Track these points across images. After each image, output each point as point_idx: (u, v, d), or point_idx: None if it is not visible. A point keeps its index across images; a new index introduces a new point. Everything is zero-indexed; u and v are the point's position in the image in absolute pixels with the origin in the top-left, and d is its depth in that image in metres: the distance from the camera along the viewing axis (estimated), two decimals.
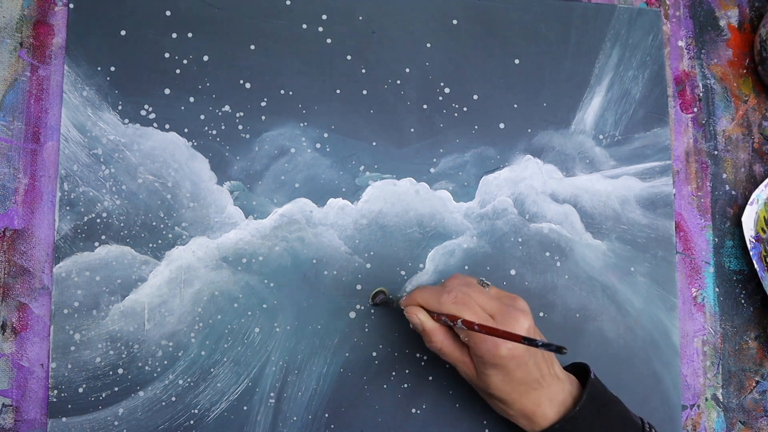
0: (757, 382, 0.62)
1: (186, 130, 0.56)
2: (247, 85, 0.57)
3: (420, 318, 0.48)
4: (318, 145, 0.57)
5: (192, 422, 0.53)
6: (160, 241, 0.54)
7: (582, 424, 0.47)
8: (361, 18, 0.59)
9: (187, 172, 0.55)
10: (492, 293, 0.49)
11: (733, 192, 0.64)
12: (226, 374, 0.54)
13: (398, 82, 0.59)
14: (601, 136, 0.61)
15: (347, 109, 0.58)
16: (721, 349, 0.62)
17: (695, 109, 0.65)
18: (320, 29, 0.58)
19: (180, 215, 0.55)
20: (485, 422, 0.57)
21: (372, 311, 0.56)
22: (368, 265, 0.57)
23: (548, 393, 0.48)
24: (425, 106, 0.59)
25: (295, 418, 0.54)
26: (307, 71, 0.58)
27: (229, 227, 0.55)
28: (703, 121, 0.64)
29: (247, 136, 0.56)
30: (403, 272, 0.57)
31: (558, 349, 0.39)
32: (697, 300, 0.62)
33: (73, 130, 0.54)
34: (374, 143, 0.58)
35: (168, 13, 0.56)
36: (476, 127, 0.60)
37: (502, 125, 0.60)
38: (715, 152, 0.64)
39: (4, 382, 0.52)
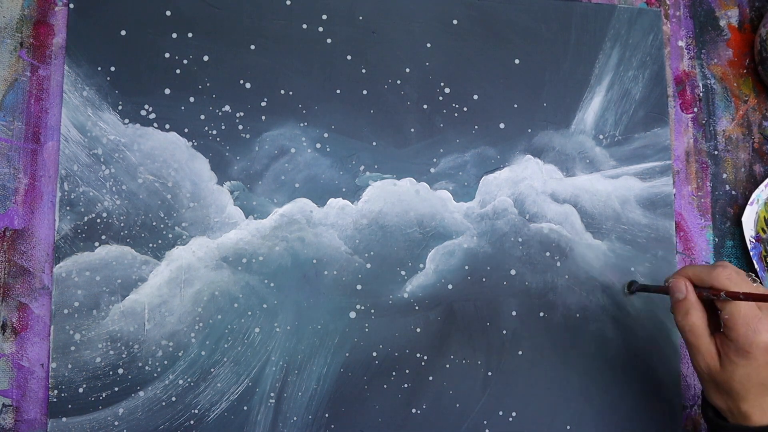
0: None
1: (186, 130, 0.56)
2: (247, 85, 0.57)
3: (688, 287, 0.48)
4: (318, 145, 0.57)
5: (192, 422, 0.53)
6: (160, 241, 0.54)
7: None
8: (361, 18, 0.59)
9: (187, 172, 0.55)
10: (760, 290, 0.47)
11: (733, 192, 0.64)
12: (226, 374, 0.54)
13: (398, 82, 0.59)
14: (601, 136, 0.61)
15: (347, 109, 0.58)
16: None
17: (695, 109, 0.65)
18: (320, 29, 0.58)
19: (180, 215, 0.55)
20: (485, 422, 0.57)
21: (372, 311, 0.56)
22: (368, 265, 0.57)
23: None
24: (425, 106, 0.59)
25: (295, 418, 0.54)
26: (307, 71, 0.58)
27: (229, 227, 0.55)
28: (703, 121, 0.64)
29: (247, 136, 0.56)
30: (403, 272, 0.57)
31: None
32: None
33: (73, 130, 0.54)
34: (374, 143, 0.58)
35: (168, 13, 0.56)
36: (476, 127, 0.60)
37: (502, 125, 0.60)
38: (715, 152, 0.64)
39: (4, 382, 0.52)
